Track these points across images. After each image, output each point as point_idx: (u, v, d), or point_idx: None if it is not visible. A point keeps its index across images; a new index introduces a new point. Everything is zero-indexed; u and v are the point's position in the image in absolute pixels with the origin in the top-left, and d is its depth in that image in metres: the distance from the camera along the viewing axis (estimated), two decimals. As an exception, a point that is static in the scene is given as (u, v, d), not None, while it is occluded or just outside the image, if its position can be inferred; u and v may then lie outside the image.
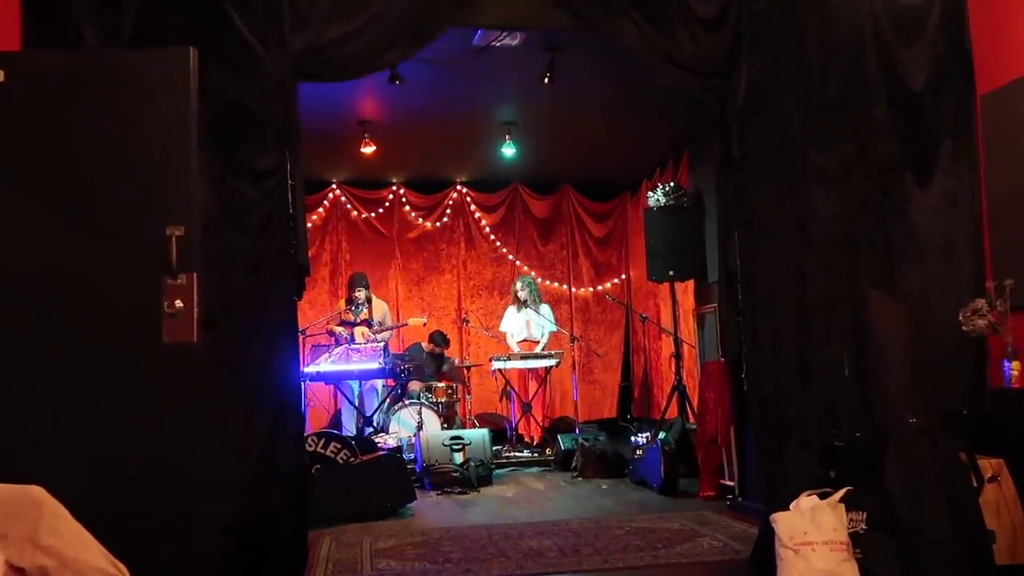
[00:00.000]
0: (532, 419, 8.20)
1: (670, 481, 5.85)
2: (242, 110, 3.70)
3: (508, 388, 8.35)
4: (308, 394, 7.36)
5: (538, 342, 8.38)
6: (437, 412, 7.67)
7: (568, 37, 5.77)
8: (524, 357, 8.07)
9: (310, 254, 7.83)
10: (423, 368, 8.38)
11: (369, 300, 8.07)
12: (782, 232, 4.21)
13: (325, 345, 7.67)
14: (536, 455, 7.75)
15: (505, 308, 8.86)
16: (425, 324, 8.47)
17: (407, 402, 7.73)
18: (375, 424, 7.62)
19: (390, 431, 7.46)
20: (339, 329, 7.90)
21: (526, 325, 8.41)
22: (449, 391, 8.00)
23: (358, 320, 7.95)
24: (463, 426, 8.08)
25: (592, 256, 10.18)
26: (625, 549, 4.19)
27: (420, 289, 9.79)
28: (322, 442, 5.48)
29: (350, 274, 8.60)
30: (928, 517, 3.16)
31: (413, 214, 9.78)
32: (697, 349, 7.95)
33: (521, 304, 8.36)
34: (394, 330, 8.58)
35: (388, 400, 7.96)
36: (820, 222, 4.18)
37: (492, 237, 9.94)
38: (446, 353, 8.84)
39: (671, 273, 7.34)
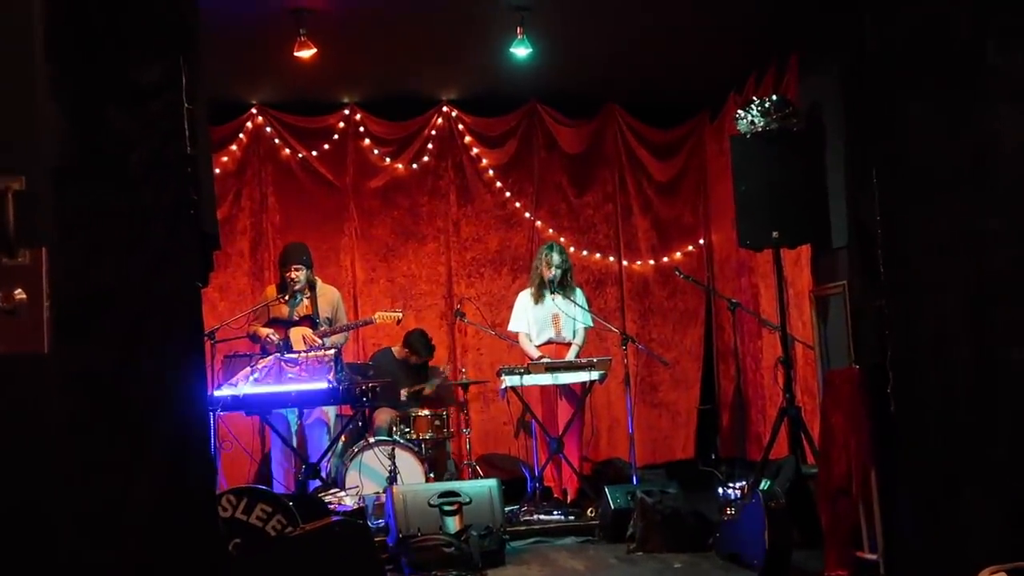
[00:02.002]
0: (565, 463, 8.20)
1: (778, 554, 5.85)
2: (111, -3, 3.69)
3: (527, 416, 8.35)
4: (221, 430, 7.39)
5: (570, 345, 8.37)
6: (419, 455, 7.68)
7: None
8: (551, 369, 8.06)
9: (220, 216, 7.84)
10: (396, 388, 8.40)
11: (312, 285, 8.09)
12: (948, 172, 4.19)
13: (246, 355, 7.69)
14: (572, 518, 7.76)
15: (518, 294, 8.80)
16: (399, 321, 8.46)
17: (373, 440, 7.74)
18: (325, 475, 7.66)
19: (347, 485, 7.49)
20: (267, 331, 7.92)
21: (552, 320, 8.38)
22: (436, 423, 8.00)
23: (296, 317, 7.97)
24: (459, 476, 8.10)
25: (653, 212, 10.17)
26: (710, 661, 4.20)
27: (389, 266, 9.79)
28: (244, 504, 5.50)
29: (283, 246, 8.61)
30: None
31: (376, 151, 9.77)
32: (817, 351, 7.94)
33: (545, 288, 8.30)
34: (351, 331, 8.59)
35: (344, 438, 7.98)
36: (1008, 157, 4.15)
37: (498, 185, 9.94)
38: (431, 364, 8.86)
39: (775, 236, 7.32)
